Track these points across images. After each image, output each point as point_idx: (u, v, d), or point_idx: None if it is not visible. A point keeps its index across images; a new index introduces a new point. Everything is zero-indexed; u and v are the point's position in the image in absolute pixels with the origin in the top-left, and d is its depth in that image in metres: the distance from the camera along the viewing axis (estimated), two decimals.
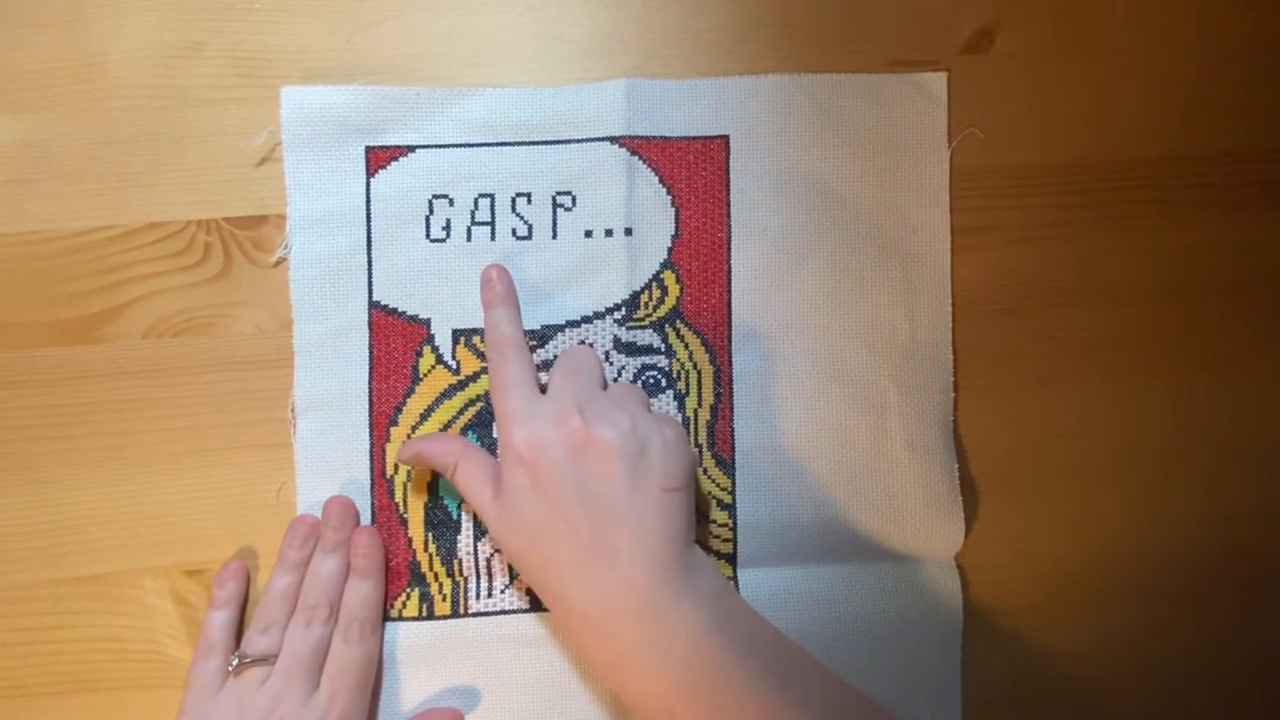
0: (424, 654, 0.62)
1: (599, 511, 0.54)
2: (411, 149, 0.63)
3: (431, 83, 0.63)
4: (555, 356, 0.63)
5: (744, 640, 0.53)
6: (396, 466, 0.63)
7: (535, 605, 0.63)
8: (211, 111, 0.63)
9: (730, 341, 0.64)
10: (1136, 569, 0.65)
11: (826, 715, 0.53)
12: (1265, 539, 0.66)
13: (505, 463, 0.57)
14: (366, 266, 0.63)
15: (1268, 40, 0.66)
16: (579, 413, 0.55)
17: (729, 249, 0.64)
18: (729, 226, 0.64)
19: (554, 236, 0.63)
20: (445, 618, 0.63)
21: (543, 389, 0.59)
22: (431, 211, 0.63)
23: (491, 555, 0.63)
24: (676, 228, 0.64)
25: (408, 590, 0.62)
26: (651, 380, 0.63)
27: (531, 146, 0.63)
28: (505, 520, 0.56)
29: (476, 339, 0.63)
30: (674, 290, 0.64)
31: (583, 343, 0.63)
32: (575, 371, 0.59)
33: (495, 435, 0.63)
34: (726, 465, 0.63)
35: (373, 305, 0.63)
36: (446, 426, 0.63)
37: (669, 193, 0.63)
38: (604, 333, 0.63)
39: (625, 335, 0.63)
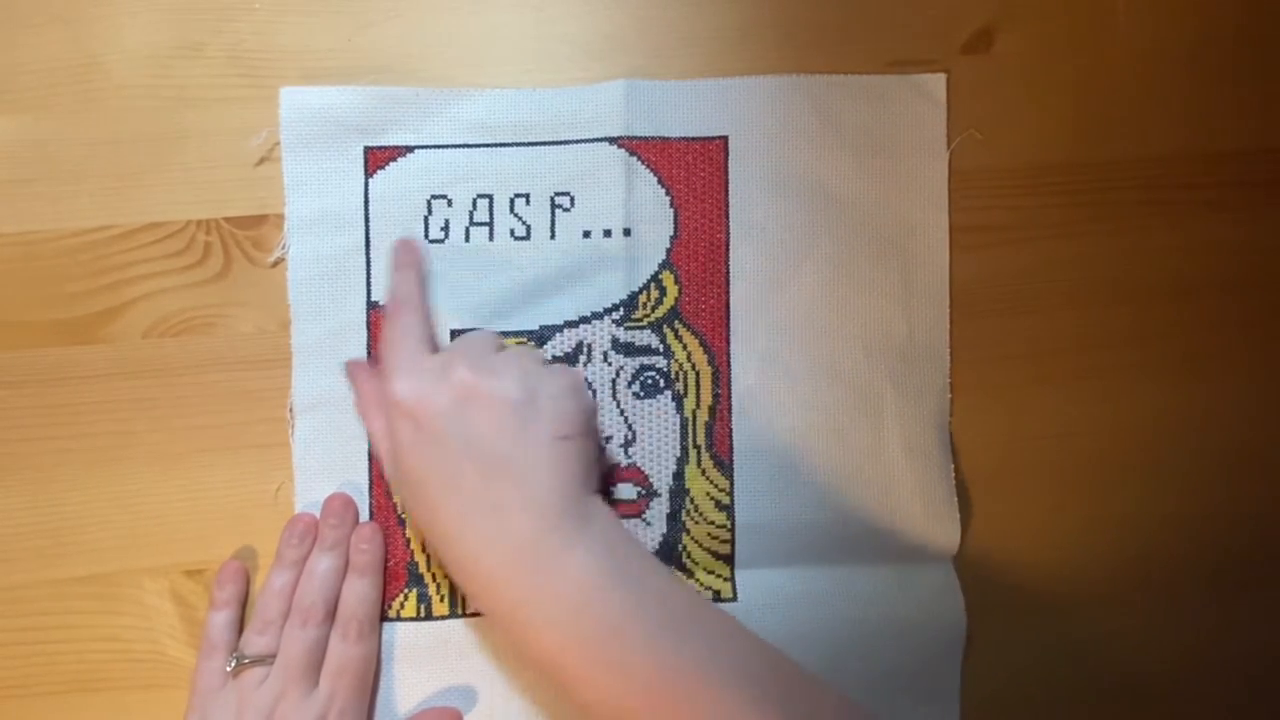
0: (422, 654, 0.62)
1: (486, 461, 0.53)
2: (410, 149, 0.63)
3: (431, 83, 0.63)
4: (554, 356, 0.63)
5: (641, 593, 0.52)
6: None
7: None
8: (211, 111, 0.63)
9: (729, 342, 0.64)
10: (1135, 569, 0.65)
11: (733, 672, 0.50)
12: (1269, 539, 0.66)
13: (391, 416, 0.55)
14: (365, 267, 0.63)
15: (1267, 40, 0.66)
16: (467, 364, 0.54)
17: (728, 250, 0.64)
18: (728, 227, 0.64)
19: (552, 237, 0.63)
20: (443, 618, 0.63)
21: None
22: (430, 212, 0.63)
23: None
24: (675, 228, 0.64)
25: (405, 591, 0.62)
26: (650, 381, 0.63)
27: (530, 147, 0.63)
28: (396, 476, 0.56)
29: None
30: (672, 291, 0.64)
31: (580, 343, 0.63)
32: (469, 337, 0.58)
33: None
34: (725, 466, 0.63)
35: (371, 305, 0.63)
36: None
37: (668, 193, 0.63)
38: (602, 333, 0.63)
39: (624, 335, 0.63)
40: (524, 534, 0.52)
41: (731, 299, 0.64)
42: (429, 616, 0.62)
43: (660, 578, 0.54)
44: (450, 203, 0.63)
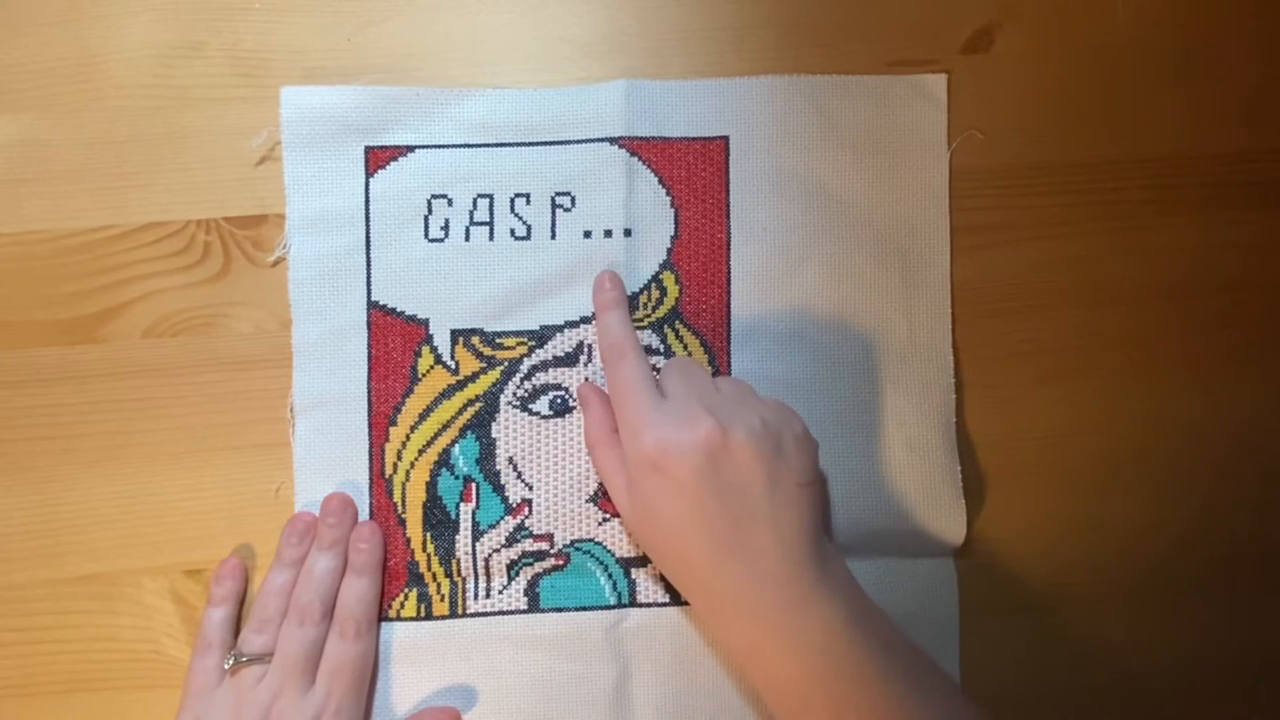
0: (422, 654, 0.62)
1: (738, 510, 0.54)
2: (410, 149, 0.63)
3: (431, 82, 0.63)
4: (554, 356, 0.63)
5: (876, 635, 0.54)
6: (395, 466, 0.63)
7: (533, 606, 0.63)
8: (211, 111, 0.63)
9: (729, 342, 0.64)
10: (1135, 568, 0.65)
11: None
12: (1267, 539, 0.66)
13: (635, 466, 0.56)
14: (365, 266, 0.63)
15: (1267, 40, 0.66)
16: (707, 412, 0.55)
17: (728, 250, 0.64)
18: (728, 227, 0.64)
19: (553, 237, 0.63)
20: (443, 618, 0.63)
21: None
22: (430, 211, 0.63)
23: (490, 556, 0.63)
24: (676, 228, 0.64)
25: (405, 590, 0.62)
26: None
27: (531, 147, 0.63)
28: (638, 517, 0.57)
29: (475, 339, 0.63)
30: (673, 291, 0.64)
31: (580, 343, 0.63)
32: (689, 373, 0.58)
33: (494, 435, 0.63)
34: None
35: (371, 305, 0.63)
36: (446, 426, 0.63)
37: (668, 193, 0.63)
38: None
39: None
40: (776, 575, 0.54)
41: (732, 299, 0.64)
42: (429, 616, 0.62)
43: (887, 619, 0.56)
44: (450, 202, 0.63)
